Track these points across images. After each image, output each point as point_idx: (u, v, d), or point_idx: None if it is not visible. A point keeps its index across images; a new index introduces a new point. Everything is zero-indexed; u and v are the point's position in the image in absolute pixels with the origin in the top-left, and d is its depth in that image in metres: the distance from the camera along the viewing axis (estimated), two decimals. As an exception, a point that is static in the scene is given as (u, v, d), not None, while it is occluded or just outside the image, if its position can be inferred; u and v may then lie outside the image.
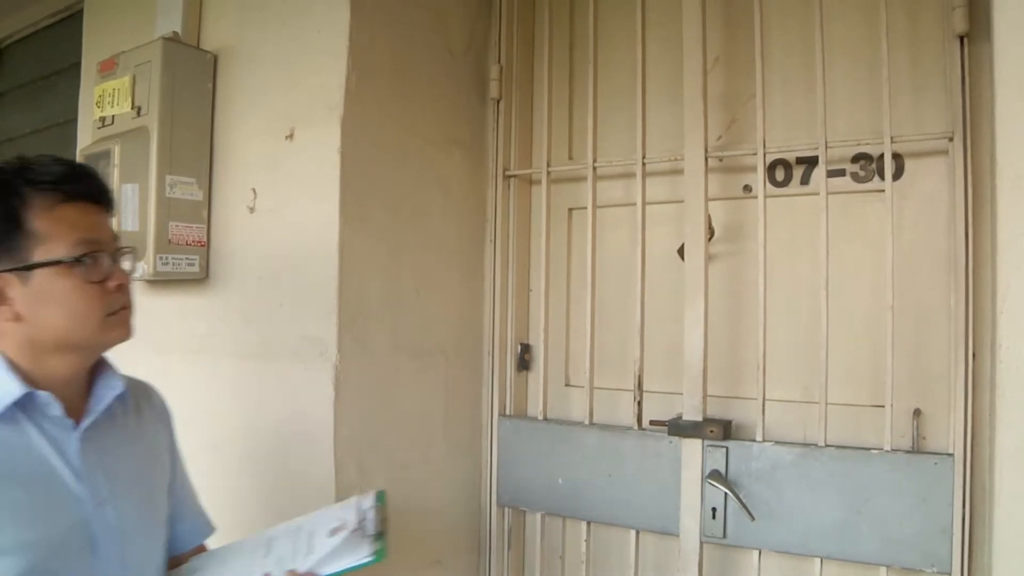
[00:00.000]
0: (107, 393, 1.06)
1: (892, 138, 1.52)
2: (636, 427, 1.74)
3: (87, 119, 2.02)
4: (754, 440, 1.61)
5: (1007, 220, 1.06)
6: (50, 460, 0.97)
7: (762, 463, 1.59)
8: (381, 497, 1.23)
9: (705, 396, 1.65)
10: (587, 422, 1.80)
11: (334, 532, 1.14)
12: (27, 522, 0.92)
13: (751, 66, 1.65)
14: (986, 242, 1.38)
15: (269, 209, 1.69)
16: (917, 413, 1.55)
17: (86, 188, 1.01)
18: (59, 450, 0.98)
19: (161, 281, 1.84)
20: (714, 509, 1.63)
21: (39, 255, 0.95)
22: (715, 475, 1.61)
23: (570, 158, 1.99)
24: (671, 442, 1.67)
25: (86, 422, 1.02)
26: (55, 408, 0.98)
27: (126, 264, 1.06)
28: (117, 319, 1.03)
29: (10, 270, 0.94)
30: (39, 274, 0.95)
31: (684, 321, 1.67)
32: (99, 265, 0.99)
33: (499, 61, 2.01)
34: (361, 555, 1.10)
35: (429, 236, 1.82)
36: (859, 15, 1.65)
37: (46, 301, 0.96)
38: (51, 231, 0.96)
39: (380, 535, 1.14)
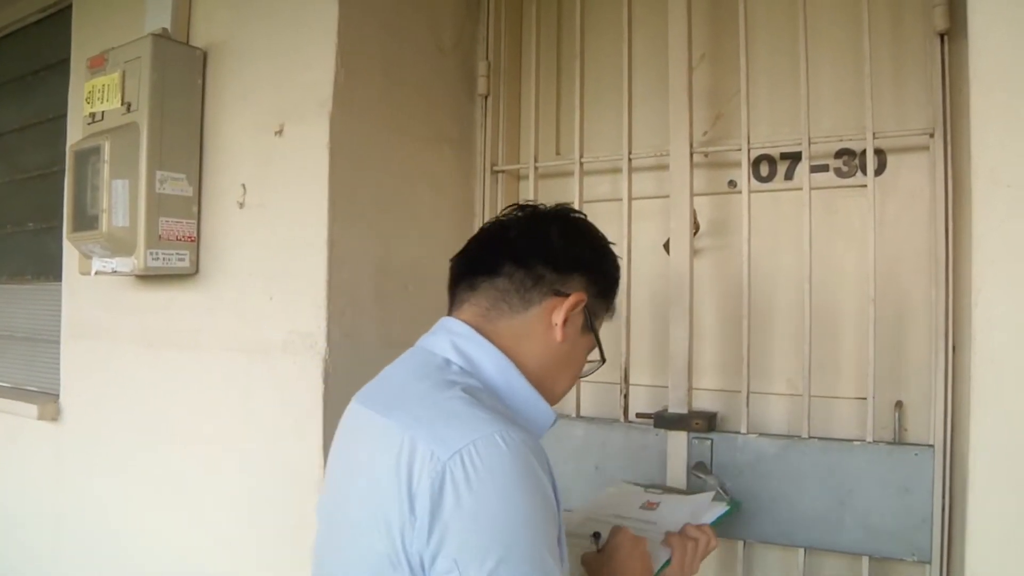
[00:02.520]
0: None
1: (874, 134, 1.54)
2: (623, 420, 1.76)
3: (77, 115, 2.03)
4: (738, 432, 1.63)
5: (982, 215, 1.08)
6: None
7: (746, 455, 1.61)
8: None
9: (690, 389, 1.67)
10: (574, 415, 1.82)
11: (647, 507, 1.32)
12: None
13: (736, 63, 1.67)
14: (966, 236, 1.40)
15: (259, 204, 1.70)
16: (899, 405, 1.58)
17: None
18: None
19: (152, 276, 1.86)
20: (699, 501, 1.66)
21: (599, 331, 1.08)
22: (700, 467, 1.63)
23: (557, 154, 2.01)
24: (657, 434, 1.69)
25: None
26: (545, 432, 1.04)
27: None
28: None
29: (589, 317, 1.05)
30: (589, 339, 1.06)
31: (669, 315, 1.69)
32: (590, 371, 1.13)
33: (487, 58, 2.02)
34: (718, 508, 1.29)
35: (417, 231, 1.83)
36: (842, 13, 1.66)
37: (573, 356, 1.06)
38: (604, 321, 1.11)
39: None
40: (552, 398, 1.05)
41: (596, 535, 1.17)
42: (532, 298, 1.00)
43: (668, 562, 1.16)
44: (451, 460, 0.79)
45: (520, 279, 1.00)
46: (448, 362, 0.97)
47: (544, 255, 1.02)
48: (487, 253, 1.05)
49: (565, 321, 1.00)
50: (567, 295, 1.00)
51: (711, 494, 1.35)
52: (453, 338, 0.99)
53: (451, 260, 1.09)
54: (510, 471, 0.80)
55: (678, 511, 1.31)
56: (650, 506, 1.35)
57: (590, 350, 1.09)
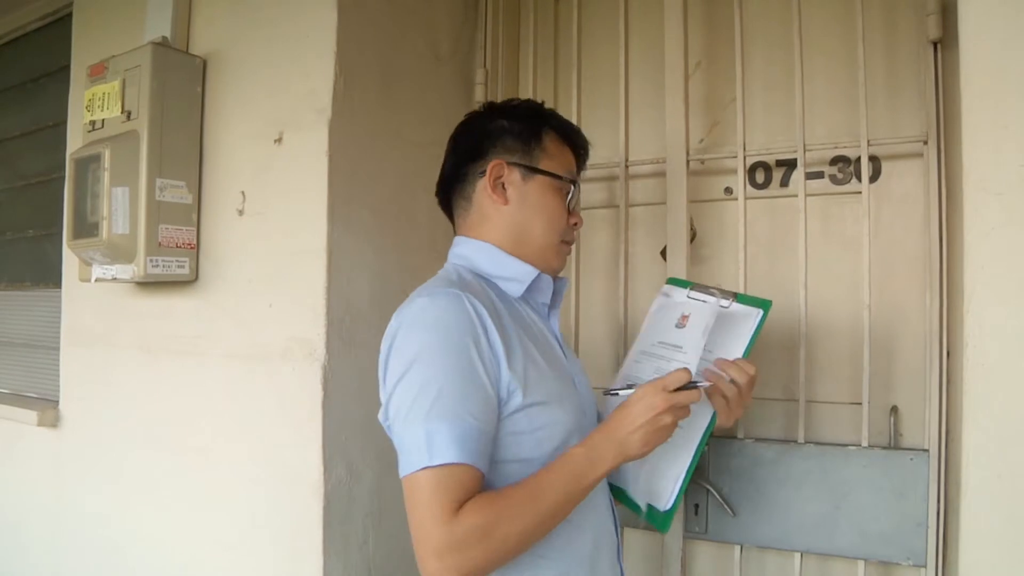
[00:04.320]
0: (563, 286, 1.28)
1: (869, 141, 1.55)
2: (620, 425, 1.76)
3: (77, 122, 2.03)
4: (735, 437, 1.64)
5: (973, 222, 1.09)
6: (546, 333, 1.20)
7: (743, 460, 1.62)
8: (681, 283, 1.36)
9: (687, 394, 1.67)
10: (572, 420, 1.82)
11: (681, 324, 1.24)
12: (555, 381, 1.12)
13: (732, 71, 1.68)
14: (959, 243, 1.41)
15: (258, 212, 1.71)
16: (894, 410, 1.59)
17: (584, 148, 1.30)
18: (547, 326, 1.22)
19: (151, 283, 1.86)
20: (696, 505, 1.66)
21: (544, 167, 1.21)
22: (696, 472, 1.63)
23: (555, 161, 2.02)
24: (654, 440, 1.69)
25: (556, 305, 1.26)
26: (546, 294, 1.22)
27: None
28: (564, 249, 1.26)
29: (522, 165, 1.20)
30: (538, 179, 1.20)
31: (666, 321, 1.69)
32: (574, 197, 1.24)
33: (484, 65, 2.03)
34: (752, 319, 1.21)
35: (416, 237, 1.84)
36: (837, 21, 1.68)
37: (532, 202, 1.20)
38: (556, 154, 1.23)
39: (733, 293, 1.26)
40: (541, 249, 1.21)
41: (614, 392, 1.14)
42: (468, 192, 1.23)
43: (714, 417, 1.20)
44: (397, 314, 1.10)
45: (457, 186, 1.25)
46: (454, 265, 1.21)
47: (459, 157, 1.24)
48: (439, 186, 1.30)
49: (503, 188, 1.19)
50: (485, 171, 1.19)
51: (733, 305, 1.23)
52: (454, 247, 1.25)
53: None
54: (424, 316, 1.05)
55: (702, 330, 1.18)
56: (683, 321, 1.23)
57: (555, 189, 1.21)
